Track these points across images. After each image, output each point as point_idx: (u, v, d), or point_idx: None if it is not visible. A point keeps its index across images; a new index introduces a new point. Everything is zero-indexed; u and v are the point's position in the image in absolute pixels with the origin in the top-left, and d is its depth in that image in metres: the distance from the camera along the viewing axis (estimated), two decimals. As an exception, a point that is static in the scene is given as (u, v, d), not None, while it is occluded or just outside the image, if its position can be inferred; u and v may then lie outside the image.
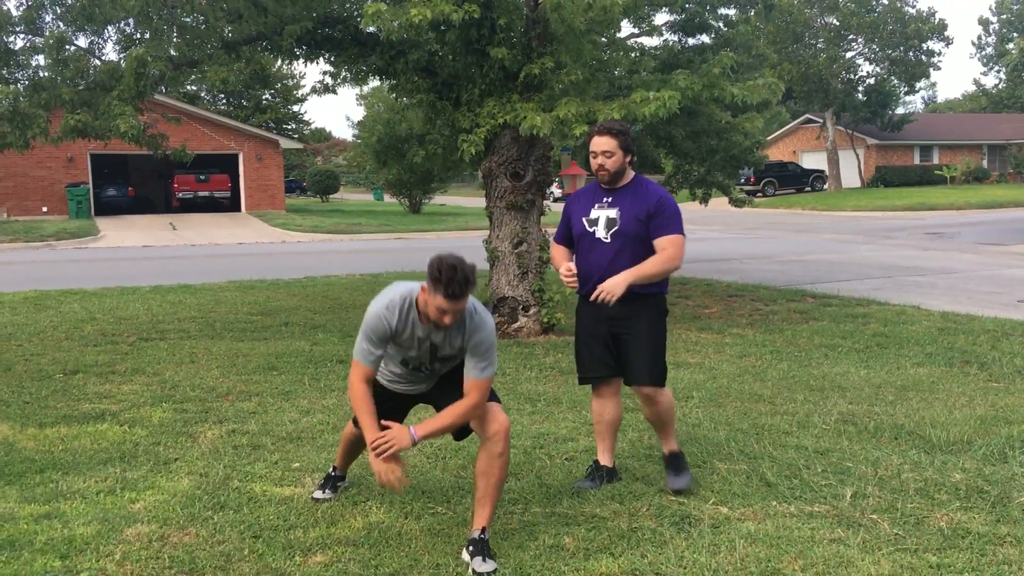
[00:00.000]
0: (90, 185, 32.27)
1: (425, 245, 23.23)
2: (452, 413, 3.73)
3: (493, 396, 3.88)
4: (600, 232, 4.44)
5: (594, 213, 4.49)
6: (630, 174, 4.53)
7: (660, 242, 4.38)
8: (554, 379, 7.24)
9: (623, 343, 4.49)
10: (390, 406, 3.99)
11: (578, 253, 4.57)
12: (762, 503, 4.31)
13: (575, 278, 4.44)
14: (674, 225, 4.41)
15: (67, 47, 8.93)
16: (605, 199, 4.49)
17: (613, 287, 4.28)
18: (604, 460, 4.69)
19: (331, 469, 4.53)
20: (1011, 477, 4.62)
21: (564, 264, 4.50)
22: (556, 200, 44.20)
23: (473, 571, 3.60)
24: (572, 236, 4.61)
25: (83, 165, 32.33)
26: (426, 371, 3.93)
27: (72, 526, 4.03)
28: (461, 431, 3.90)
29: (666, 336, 4.60)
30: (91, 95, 8.75)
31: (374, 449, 3.61)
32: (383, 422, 3.68)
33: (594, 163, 4.46)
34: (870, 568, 3.57)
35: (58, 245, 23.59)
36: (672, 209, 4.44)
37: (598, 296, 4.30)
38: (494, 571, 3.59)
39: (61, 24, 9.07)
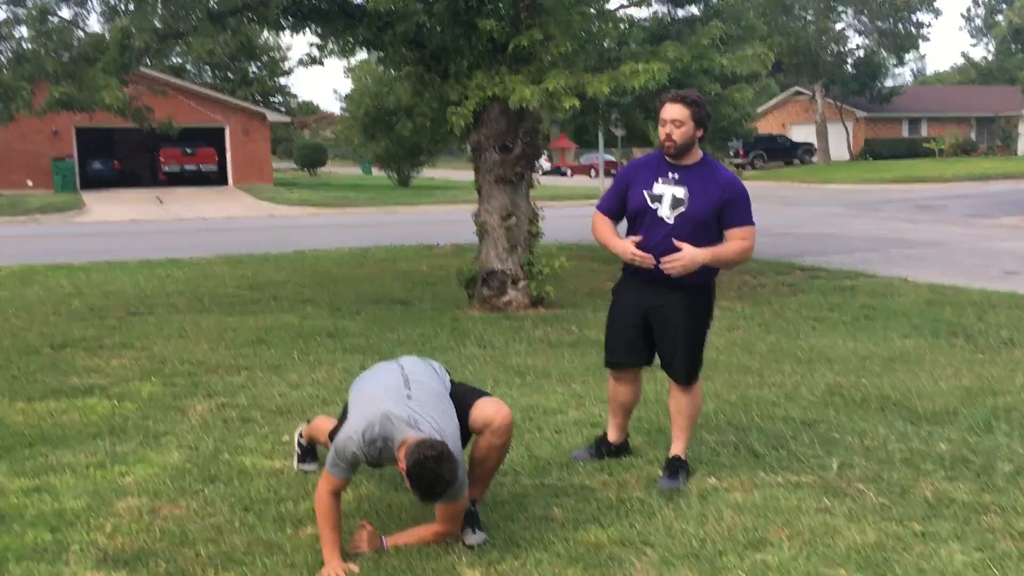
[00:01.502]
0: (76, 159, 32.02)
1: (414, 219, 23.18)
2: (425, 536, 3.60)
3: (481, 391, 3.86)
4: (664, 211, 4.12)
5: (658, 188, 4.16)
6: (699, 152, 4.22)
7: (735, 232, 4.15)
8: (543, 352, 7.26)
9: (660, 333, 4.30)
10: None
11: (633, 230, 4.26)
12: (750, 474, 4.34)
13: (648, 256, 4.07)
14: (748, 215, 4.19)
15: (50, 18, 8.81)
16: (672, 175, 4.16)
17: (691, 259, 4.02)
18: (612, 436, 4.62)
19: (303, 441, 4.46)
20: (995, 447, 4.67)
21: (628, 247, 4.11)
22: (545, 173, 44.11)
23: (464, 542, 3.62)
24: (623, 208, 4.28)
25: (68, 138, 32.06)
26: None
27: (62, 499, 4.04)
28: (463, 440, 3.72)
29: (707, 330, 4.37)
30: (75, 67, 8.64)
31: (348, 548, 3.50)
32: (362, 523, 3.61)
33: (662, 132, 4.14)
34: (856, 537, 3.61)
35: (44, 219, 23.43)
36: (746, 197, 4.20)
37: (667, 264, 4.03)
38: (484, 542, 3.61)
39: (44, -6, 8.95)
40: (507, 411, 3.72)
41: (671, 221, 4.13)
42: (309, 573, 3.37)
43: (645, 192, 4.20)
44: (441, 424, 3.48)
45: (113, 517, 3.86)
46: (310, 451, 4.48)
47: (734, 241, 4.18)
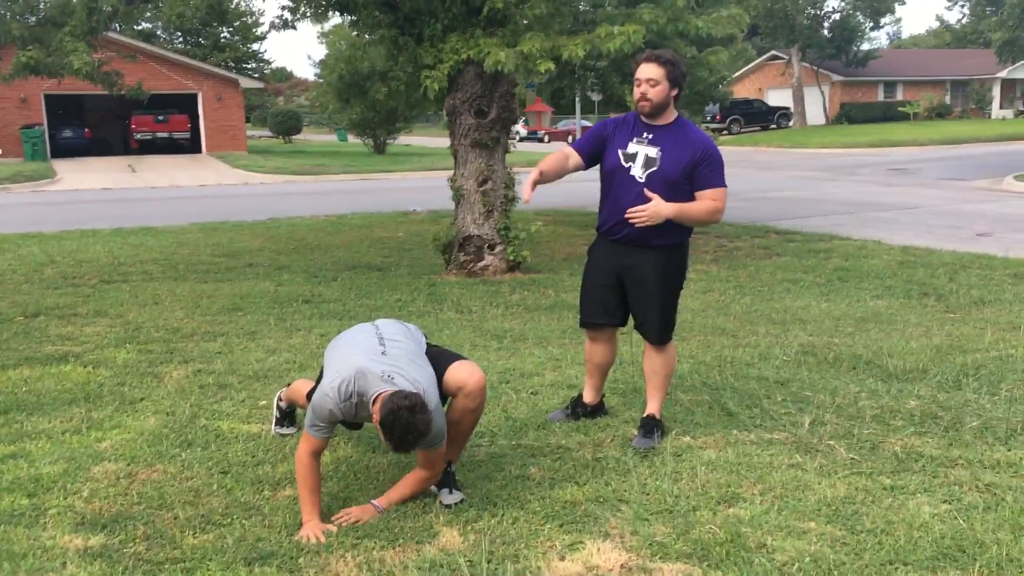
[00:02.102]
0: (45, 126, 31.51)
1: (390, 186, 23.06)
2: (411, 483, 3.62)
3: (458, 355, 3.86)
4: (636, 170, 4.16)
5: (632, 148, 4.19)
6: (673, 113, 4.23)
7: (706, 194, 4.15)
8: (520, 316, 7.28)
9: (633, 293, 4.33)
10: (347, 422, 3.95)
11: (606, 189, 4.32)
12: (723, 432, 4.40)
13: (531, 190, 4.12)
14: (720, 177, 4.18)
15: (15, -19, 8.65)
16: (646, 135, 4.18)
17: (656, 211, 4.06)
18: (588, 397, 4.66)
19: (283, 405, 4.48)
20: (964, 403, 4.75)
21: (530, 177, 4.14)
22: (522, 139, 43.94)
23: (441, 503, 3.65)
24: (593, 152, 4.30)
25: (37, 106, 31.52)
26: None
27: (38, 465, 4.03)
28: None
29: (680, 290, 4.40)
30: (42, 31, 8.51)
31: (332, 520, 3.50)
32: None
33: (636, 91, 4.15)
34: (826, 491, 3.68)
35: (14, 188, 23.09)
36: (718, 158, 4.19)
37: (634, 215, 4.07)
38: (461, 501, 3.65)
39: (8, -43, 8.77)
40: (480, 374, 3.74)
41: (643, 180, 4.15)
42: (287, 534, 3.40)
43: (620, 151, 4.22)
44: (416, 376, 3.50)
45: (90, 482, 3.86)
46: (289, 415, 4.49)
47: (703, 201, 4.18)
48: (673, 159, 4.14)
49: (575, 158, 4.32)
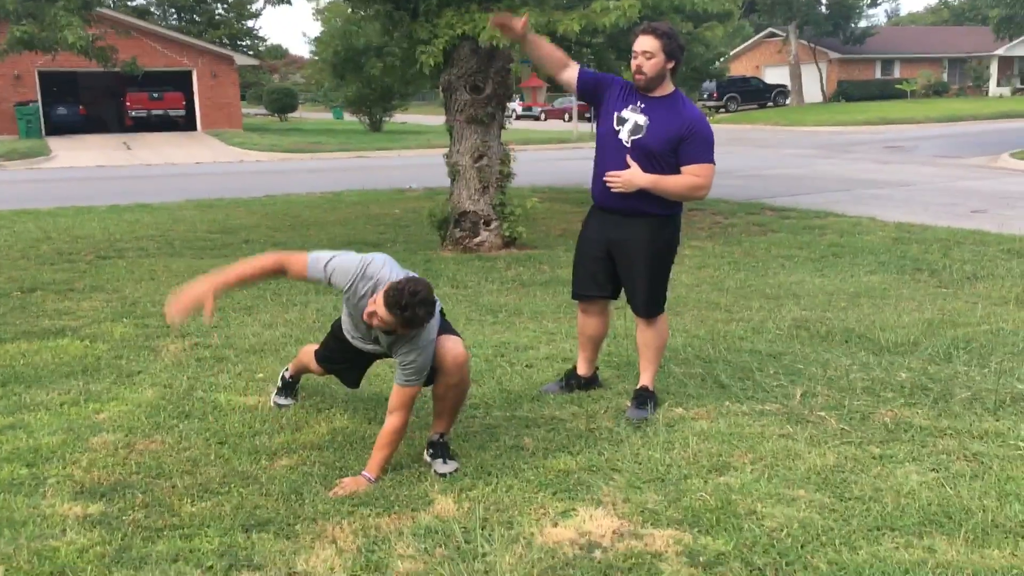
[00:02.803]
0: (39, 103, 31.34)
1: (386, 164, 23.01)
2: (385, 439, 3.64)
3: (450, 329, 3.87)
4: (623, 134, 4.19)
5: (625, 113, 4.22)
6: (670, 86, 4.24)
7: (690, 169, 4.16)
8: (515, 291, 7.32)
9: (622, 267, 4.37)
10: (350, 357, 4.05)
11: (598, 151, 4.36)
12: (715, 403, 4.45)
13: (522, 23, 4.20)
14: (706, 153, 4.18)
15: (8, -45, 8.59)
16: (639, 103, 4.21)
17: (630, 178, 4.13)
18: (581, 370, 4.71)
19: (288, 376, 4.54)
20: (954, 375, 4.81)
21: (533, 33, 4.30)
22: (519, 118, 43.73)
23: (435, 472, 3.70)
24: (591, 85, 4.35)
25: (31, 83, 31.34)
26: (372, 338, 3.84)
27: (37, 436, 4.07)
28: (428, 379, 3.78)
29: (670, 265, 4.44)
30: (36, 6, 8.47)
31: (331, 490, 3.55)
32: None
33: (633, 63, 4.16)
34: (816, 460, 3.73)
35: (9, 166, 23.01)
36: (706, 134, 4.19)
37: (611, 180, 4.16)
38: (456, 471, 3.70)
39: (1, -69, 8.71)
40: (460, 352, 3.74)
41: (627, 145, 4.19)
42: (284, 502, 3.44)
43: (615, 114, 4.26)
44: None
45: (89, 452, 3.90)
46: (291, 386, 4.53)
47: (683, 176, 4.18)
48: (658, 130, 4.16)
49: (573, 70, 4.35)
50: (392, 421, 3.66)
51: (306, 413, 4.40)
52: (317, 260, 3.73)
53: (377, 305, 3.46)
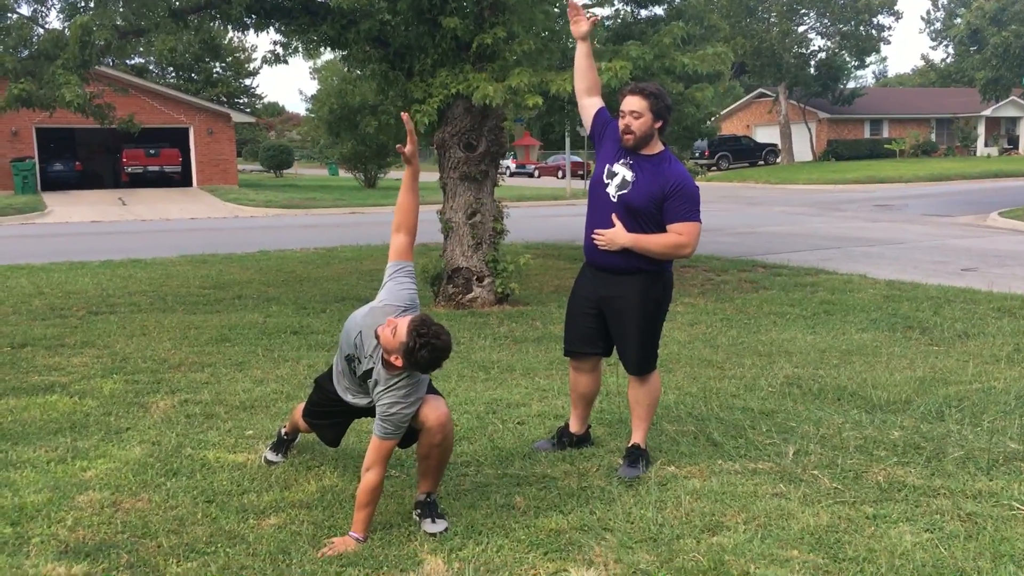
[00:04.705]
0: (36, 159, 31.52)
1: (381, 219, 23.12)
2: (364, 495, 3.58)
3: (434, 390, 3.87)
4: (611, 188, 4.25)
5: (616, 167, 4.27)
6: (659, 146, 4.29)
7: (675, 227, 4.18)
8: (508, 347, 7.31)
9: (613, 325, 4.38)
10: (334, 411, 4.02)
11: (590, 203, 4.41)
12: (708, 461, 4.42)
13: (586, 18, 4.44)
14: (691, 211, 4.19)
15: (9, 15, 8.73)
16: (628, 159, 4.26)
17: (612, 237, 4.20)
18: (574, 427, 4.68)
19: (283, 432, 4.51)
20: (946, 434, 4.79)
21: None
22: (512, 175, 44.11)
23: (425, 532, 3.66)
24: (601, 120, 4.45)
25: (28, 139, 31.56)
26: (356, 376, 3.83)
27: (23, 494, 4.02)
28: (405, 439, 3.77)
29: (660, 322, 4.43)
30: (35, 64, 8.57)
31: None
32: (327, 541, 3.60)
33: (621, 123, 4.21)
34: (809, 519, 3.70)
35: (4, 221, 23.08)
36: (690, 193, 4.20)
37: (596, 237, 4.24)
38: (446, 530, 3.66)
39: (2, -9, 8.86)
40: (444, 411, 3.73)
41: (614, 200, 4.25)
42: (271, 562, 3.39)
43: (607, 165, 4.32)
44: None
45: (74, 510, 3.85)
46: (284, 443, 4.50)
47: (666, 234, 4.21)
48: (643, 188, 4.20)
49: (597, 103, 4.50)
50: (369, 478, 3.61)
51: (295, 471, 4.36)
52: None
53: (399, 323, 3.51)
